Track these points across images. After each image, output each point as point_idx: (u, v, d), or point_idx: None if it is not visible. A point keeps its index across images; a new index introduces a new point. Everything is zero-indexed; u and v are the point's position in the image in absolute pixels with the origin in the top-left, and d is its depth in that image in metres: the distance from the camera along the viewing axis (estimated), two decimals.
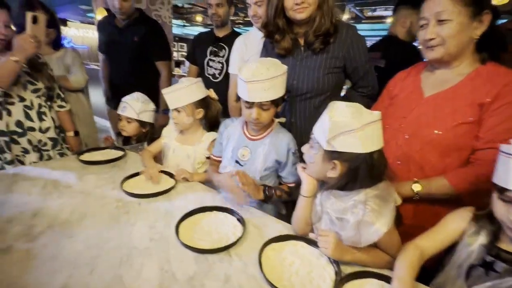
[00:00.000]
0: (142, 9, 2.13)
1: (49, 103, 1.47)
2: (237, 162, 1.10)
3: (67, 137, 1.57)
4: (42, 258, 0.73)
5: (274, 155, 1.06)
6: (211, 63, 2.05)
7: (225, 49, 2.03)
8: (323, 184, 0.83)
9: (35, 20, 1.25)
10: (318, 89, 1.18)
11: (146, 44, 1.97)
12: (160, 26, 2.11)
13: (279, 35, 1.17)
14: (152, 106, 1.55)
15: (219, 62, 2.02)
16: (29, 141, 1.39)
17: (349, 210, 0.73)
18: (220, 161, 1.20)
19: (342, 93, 1.37)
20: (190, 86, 1.23)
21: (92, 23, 7.23)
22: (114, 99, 2.18)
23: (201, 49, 2.08)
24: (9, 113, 1.32)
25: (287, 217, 0.99)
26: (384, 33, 2.06)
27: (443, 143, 0.87)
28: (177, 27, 8.56)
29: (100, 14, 4.06)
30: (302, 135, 1.15)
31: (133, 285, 0.66)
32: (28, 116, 1.37)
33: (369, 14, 7.55)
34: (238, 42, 1.72)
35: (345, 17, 6.52)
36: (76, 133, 1.61)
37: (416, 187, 0.89)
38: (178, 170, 1.22)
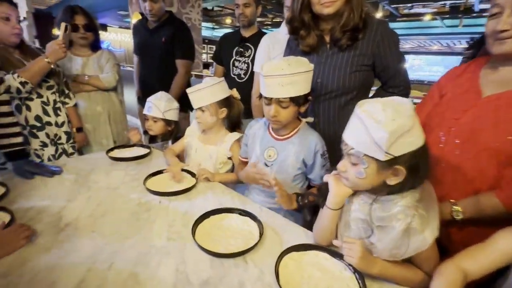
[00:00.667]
0: (172, 12, 2.19)
1: (61, 98, 1.59)
2: (264, 163, 1.09)
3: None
4: (65, 249, 0.76)
5: (302, 154, 1.04)
6: (236, 64, 2.05)
7: (251, 49, 2.02)
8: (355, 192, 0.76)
9: (66, 29, 1.46)
10: (344, 87, 1.11)
11: (172, 44, 2.02)
12: (187, 27, 2.14)
13: (304, 31, 1.12)
14: (176, 104, 1.57)
15: (244, 62, 2.01)
16: (47, 135, 1.51)
17: (395, 217, 0.66)
18: (246, 162, 1.19)
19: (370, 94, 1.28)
20: (214, 85, 1.23)
21: (129, 28, 7.65)
22: (144, 98, 2.26)
23: (227, 49, 2.08)
24: (29, 109, 1.44)
25: (309, 224, 0.94)
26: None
27: (503, 152, 0.74)
28: (206, 30, 8.78)
29: (135, 18, 4.27)
30: (325, 136, 1.09)
31: (148, 284, 0.66)
32: (45, 111, 1.49)
33: (405, 11, 7.15)
34: (264, 41, 1.70)
35: (379, 15, 6.23)
36: (79, 130, 1.71)
37: (457, 211, 0.78)
38: (199, 170, 1.22)
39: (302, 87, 0.95)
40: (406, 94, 1.15)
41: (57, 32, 1.47)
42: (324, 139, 1.06)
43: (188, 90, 1.26)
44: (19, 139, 1.24)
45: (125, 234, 0.84)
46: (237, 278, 0.69)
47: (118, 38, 9.68)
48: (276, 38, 1.64)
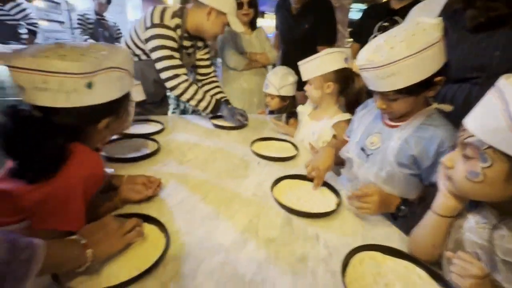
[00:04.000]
0: None
1: None
2: (362, 149, 0.91)
3: None
4: (179, 180, 0.95)
5: (413, 149, 0.78)
6: None
7: (398, 24, 1.70)
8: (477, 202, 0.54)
9: None
10: None
11: (314, 31, 1.94)
12: (331, 10, 1.99)
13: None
14: (291, 79, 1.56)
15: None
16: None
17: None
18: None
19: None
20: (323, 56, 1.13)
21: None
22: None
23: (368, 24, 1.85)
24: None
25: (405, 224, 0.75)
26: None
27: None
28: (357, 12, 8.09)
29: None
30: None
31: (222, 224, 0.74)
32: None
33: None
34: (413, 11, 1.38)
35: None
36: None
37: None
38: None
39: (417, 72, 0.69)
40: None
41: None
42: None
43: (299, 62, 1.22)
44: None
45: (223, 177, 0.97)
46: (302, 250, 0.66)
47: (272, 24, 10.61)
48: (430, 5, 1.30)
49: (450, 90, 0.97)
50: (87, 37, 3.06)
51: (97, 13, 3.11)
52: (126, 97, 0.68)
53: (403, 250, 0.65)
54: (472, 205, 0.55)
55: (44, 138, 0.53)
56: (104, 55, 0.59)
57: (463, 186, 0.51)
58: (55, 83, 0.53)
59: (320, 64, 1.16)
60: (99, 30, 3.14)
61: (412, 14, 1.37)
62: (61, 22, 4.52)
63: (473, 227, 0.52)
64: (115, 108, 0.65)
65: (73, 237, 0.53)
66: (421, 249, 0.62)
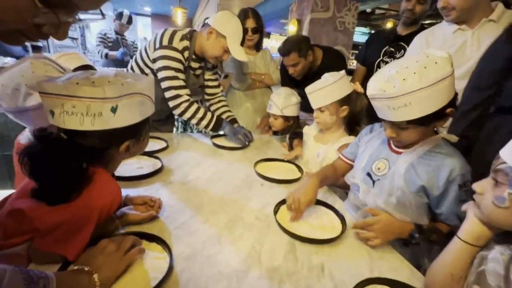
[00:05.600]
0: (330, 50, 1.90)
1: None
2: (368, 175, 0.90)
3: None
4: (181, 200, 0.94)
5: (421, 177, 0.77)
6: (382, 65, 1.83)
7: (404, 49, 1.74)
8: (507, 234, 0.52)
9: None
10: None
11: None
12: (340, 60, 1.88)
13: None
14: (295, 99, 1.57)
15: None
16: None
17: None
18: (347, 164, 1.05)
19: None
20: (335, 83, 1.14)
21: (286, 35, 8.42)
22: None
23: (374, 48, 1.89)
24: None
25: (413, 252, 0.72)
26: None
27: None
28: (361, 35, 8.35)
29: (291, 25, 4.66)
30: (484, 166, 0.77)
31: (226, 248, 0.72)
32: None
33: None
34: (418, 38, 1.41)
35: None
36: None
37: None
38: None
39: (429, 104, 0.69)
40: None
41: None
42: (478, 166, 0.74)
43: (307, 90, 1.22)
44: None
45: (225, 198, 0.95)
46: (306, 282, 0.63)
47: (277, 45, 10.94)
48: (433, 35, 1.32)
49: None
50: (106, 50, 3.29)
51: (117, 33, 3.37)
52: (146, 121, 0.71)
53: (412, 286, 0.62)
54: (499, 237, 0.53)
55: (69, 160, 0.55)
56: (128, 82, 0.61)
57: (489, 212, 0.51)
58: (83, 107, 0.55)
59: (335, 89, 1.17)
60: (119, 48, 3.38)
61: (418, 40, 1.40)
62: (74, 39, 4.69)
63: (498, 257, 0.50)
64: (136, 131, 0.68)
65: (76, 267, 0.53)
66: (438, 278, 0.59)
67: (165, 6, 7.99)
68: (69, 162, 0.55)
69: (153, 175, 1.05)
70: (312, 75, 1.66)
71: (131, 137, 0.67)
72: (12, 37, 0.35)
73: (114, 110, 0.59)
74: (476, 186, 0.54)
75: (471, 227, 0.56)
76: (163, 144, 1.36)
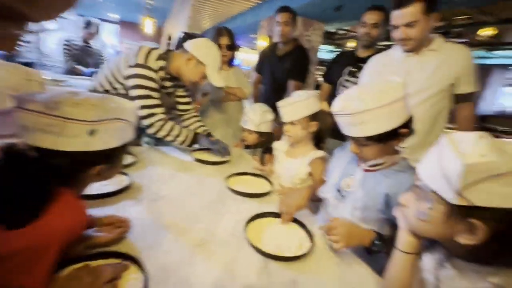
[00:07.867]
0: (299, 41, 2.29)
1: None
2: (338, 191, 0.97)
3: None
4: (152, 218, 0.91)
5: (382, 195, 0.84)
6: (346, 84, 1.98)
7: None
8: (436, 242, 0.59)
9: None
10: None
11: (292, 70, 2.14)
12: (305, 51, 2.23)
13: None
14: (270, 116, 1.64)
15: (355, 83, 1.91)
16: None
17: None
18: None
19: None
20: (308, 99, 1.22)
21: (255, 49, 8.68)
22: None
23: (338, 67, 2.04)
24: None
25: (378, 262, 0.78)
26: None
27: None
28: (326, 53, 8.91)
29: (262, 40, 4.82)
30: None
31: (199, 267, 0.71)
32: None
33: None
34: (373, 60, 1.56)
35: None
36: None
37: None
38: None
39: (384, 122, 0.77)
40: None
41: None
42: None
43: (279, 104, 1.28)
44: None
45: (197, 216, 0.94)
46: None
47: (246, 58, 11.18)
48: (388, 58, 1.48)
49: None
50: (74, 64, 3.16)
51: (84, 41, 3.24)
52: (123, 147, 0.68)
53: None
54: (427, 245, 0.60)
55: (35, 180, 0.51)
56: (112, 108, 0.60)
57: (413, 224, 0.57)
58: (59, 127, 0.53)
59: (307, 105, 1.24)
60: (84, 57, 3.24)
61: (372, 62, 1.56)
62: (27, 42, 4.34)
63: (427, 264, 0.56)
64: (111, 156, 0.65)
65: None
66: None
67: (134, 14, 7.79)
68: (34, 182, 0.51)
69: (120, 192, 1.00)
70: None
71: (105, 161, 0.64)
72: None
73: (92, 133, 0.57)
74: (401, 199, 0.60)
75: (402, 236, 0.62)
76: (131, 159, 1.30)
